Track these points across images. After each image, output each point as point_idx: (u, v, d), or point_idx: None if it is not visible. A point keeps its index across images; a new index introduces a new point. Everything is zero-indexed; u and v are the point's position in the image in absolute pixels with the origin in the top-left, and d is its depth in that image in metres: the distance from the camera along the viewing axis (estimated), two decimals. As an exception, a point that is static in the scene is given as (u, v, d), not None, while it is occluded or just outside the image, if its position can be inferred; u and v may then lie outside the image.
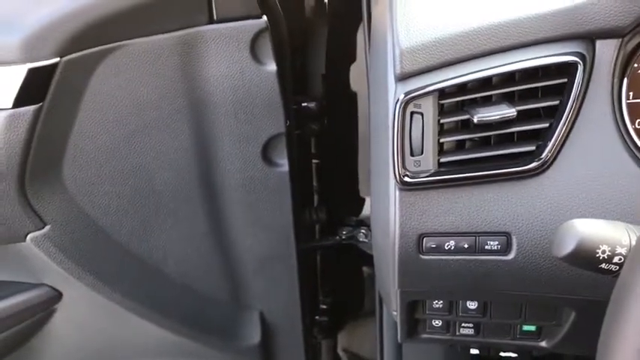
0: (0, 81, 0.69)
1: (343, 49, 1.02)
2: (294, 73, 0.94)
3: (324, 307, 1.23)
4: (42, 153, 0.72)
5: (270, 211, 0.92)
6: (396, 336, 0.97)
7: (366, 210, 1.18)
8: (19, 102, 0.69)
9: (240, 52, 0.79)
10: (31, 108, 0.69)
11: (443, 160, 0.60)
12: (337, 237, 1.08)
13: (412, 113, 0.59)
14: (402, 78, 0.60)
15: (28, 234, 0.76)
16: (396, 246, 0.62)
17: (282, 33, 0.86)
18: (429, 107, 0.59)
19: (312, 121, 1.02)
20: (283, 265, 0.97)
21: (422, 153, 0.59)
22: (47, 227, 0.76)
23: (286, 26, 0.86)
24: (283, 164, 0.89)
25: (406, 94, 0.59)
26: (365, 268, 1.25)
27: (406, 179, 0.59)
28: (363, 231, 1.07)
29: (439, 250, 0.61)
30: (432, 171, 0.60)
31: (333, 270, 1.22)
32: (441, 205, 0.60)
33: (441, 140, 0.60)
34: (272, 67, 0.81)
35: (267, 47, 0.81)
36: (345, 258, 1.24)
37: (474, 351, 0.96)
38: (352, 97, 1.09)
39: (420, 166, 0.59)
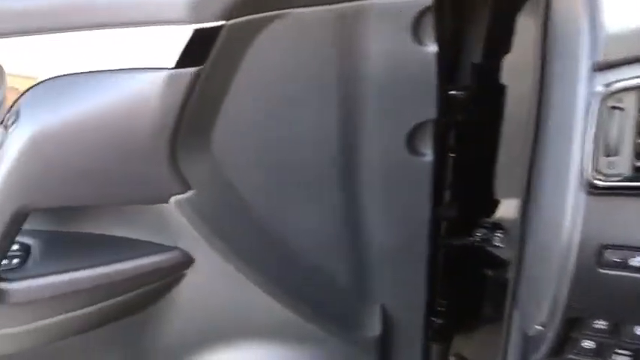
0: (165, 40, 0.69)
1: (502, 37, 0.95)
2: (446, 58, 0.88)
3: (441, 309, 1.17)
4: (195, 117, 0.72)
5: (408, 200, 0.87)
6: (522, 351, 0.89)
7: (500, 213, 1.11)
8: (181, 62, 0.68)
9: (401, 31, 0.75)
10: (192, 70, 0.69)
11: (640, 164, 0.52)
12: (470, 238, 1.02)
13: (612, 108, 0.52)
14: (604, 68, 0.53)
15: (172, 196, 0.76)
16: (572, 256, 0.55)
17: (446, 14, 0.80)
18: (631, 103, 0.52)
19: (457, 112, 0.96)
20: (413, 259, 0.93)
21: (617, 154, 0.52)
22: (191, 192, 0.76)
23: (450, 8, 0.81)
24: (427, 154, 0.84)
25: (607, 85, 0.52)
26: (489, 273, 1.18)
27: (597, 182, 0.53)
28: (499, 235, 1.00)
29: (623, 265, 0.54)
30: (628, 175, 0.52)
31: (454, 271, 1.16)
32: (632, 214, 0.53)
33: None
34: (432, 48, 0.76)
35: (429, 27, 0.76)
36: (468, 260, 1.17)
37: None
38: (501, 91, 1.02)
39: (614, 168, 0.52)
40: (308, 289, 0.93)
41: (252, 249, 0.86)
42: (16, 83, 0.74)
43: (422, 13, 0.75)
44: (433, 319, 1.16)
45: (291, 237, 0.88)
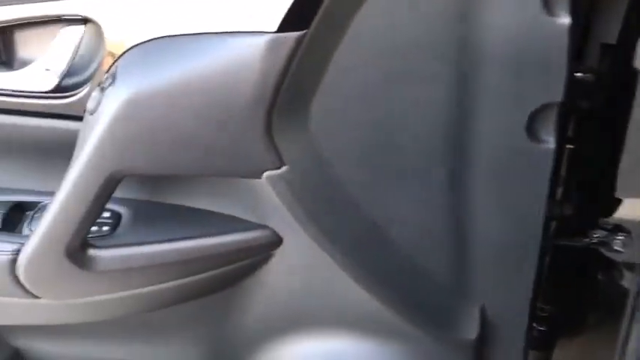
0: (268, 2, 0.64)
1: None
2: (576, 35, 0.78)
3: (544, 314, 1.08)
4: (295, 86, 0.67)
5: (522, 192, 0.78)
6: None
7: (619, 213, 1.00)
8: (283, 26, 0.63)
9: None
10: (295, 34, 0.64)
11: None
12: (586, 239, 0.91)
13: None
14: None
15: (265, 171, 0.71)
16: None
17: None
18: None
19: (581, 98, 0.85)
20: (521, 258, 0.84)
21: None
22: (284, 168, 0.71)
23: None
24: (549, 141, 0.75)
25: None
26: (602, 278, 1.08)
27: None
28: (620, 238, 0.89)
29: None
30: None
31: (562, 274, 1.06)
32: None
33: None
34: (565, 20, 0.67)
35: None
36: (577, 262, 1.07)
37: None
38: (634, 77, 0.91)
39: None
40: (402, 282, 0.86)
41: (346, 234, 0.81)
42: (114, 48, 0.72)
43: None
44: (534, 324, 1.07)
45: (389, 224, 0.82)
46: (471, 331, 0.88)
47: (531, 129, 0.74)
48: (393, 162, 0.78)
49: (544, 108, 0.72)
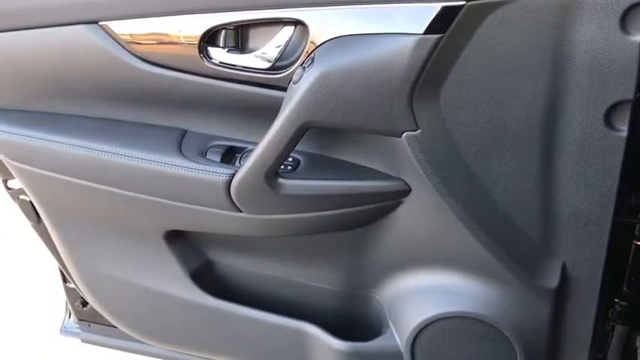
0: (418, 13, 0.95)
1: None
2: None
3: (627, 290, 1.25)
4: (431, 73, 0.96)
5: (598, 170, 1.01)
6: None
7: None
8: (428, 30, 0.94)
9: (610, 21, 0.91)
10: (434, 37, 0.94)
11: None
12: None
13: None
14: None
15: (404, 132, 1.01)
16: None
17: None
18: None
19: None
20: (596, 227, 1.06)
21: None
22: (419, 131, 1.01)
23: None
24: (623, 130, 0.98)
25: None
26: None
27: None
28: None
29: None
30: None
31: None
32: None
33: None
34: (637, 37, 0.91)
35: (637, 20, 0.91)
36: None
37: None
38: None
39: None
40: (502, 233, 1.10)
41: (461, 189, 1.07)
42: (314, 41, 1.05)
43: (631, 8, 0.90)
44: (616, 299, 1.25)
45: (493, 186, 1.07)
46: (553, 281, 1.11)
47: (609, 119, 0.98)
48: (498, 137, 1.04)
49: (618, 104, 0.96)
